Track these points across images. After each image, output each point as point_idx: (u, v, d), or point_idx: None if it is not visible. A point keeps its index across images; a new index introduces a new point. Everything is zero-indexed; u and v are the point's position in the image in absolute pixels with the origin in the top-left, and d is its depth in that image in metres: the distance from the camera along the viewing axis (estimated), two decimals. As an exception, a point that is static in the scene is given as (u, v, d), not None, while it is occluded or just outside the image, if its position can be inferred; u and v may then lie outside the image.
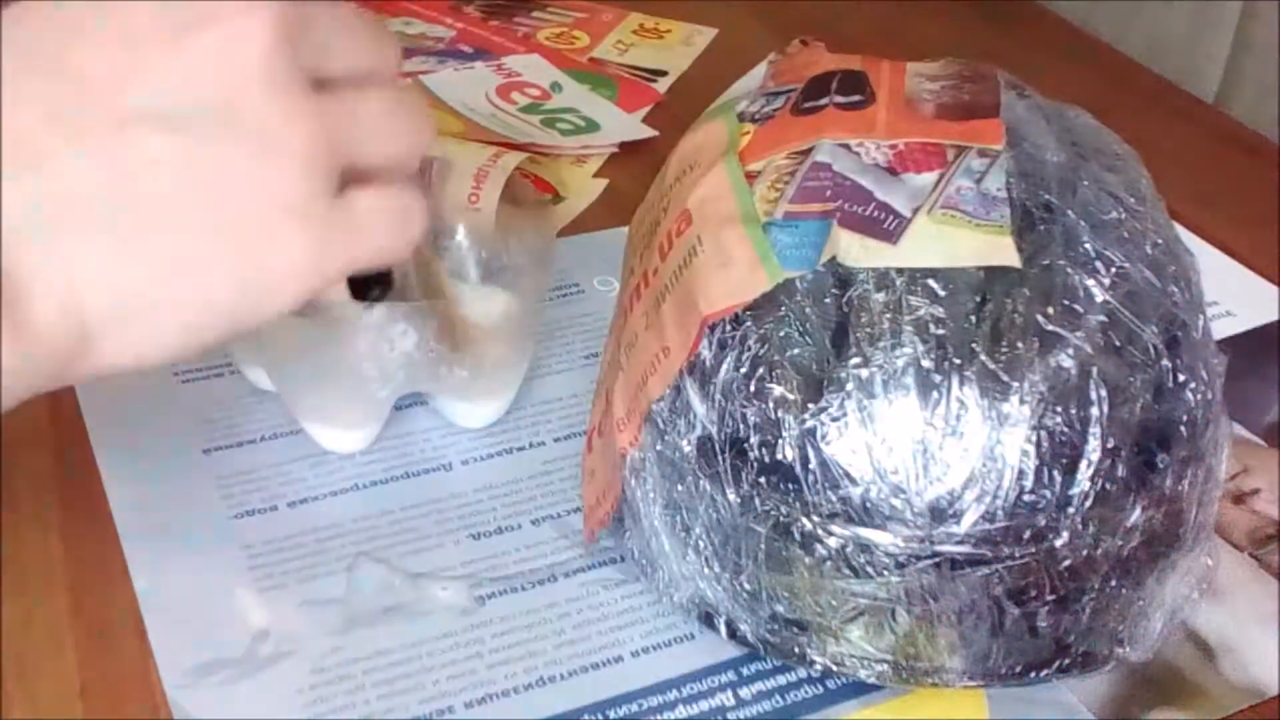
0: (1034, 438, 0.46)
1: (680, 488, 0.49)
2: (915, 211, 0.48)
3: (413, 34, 0.96)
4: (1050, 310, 0.47)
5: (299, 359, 0.59)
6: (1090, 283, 0.47)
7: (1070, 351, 0.46)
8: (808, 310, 0.47)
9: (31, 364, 0.37)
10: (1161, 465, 0.48)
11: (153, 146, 0.38)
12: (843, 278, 0.47)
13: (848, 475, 0.46)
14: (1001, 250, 0.47)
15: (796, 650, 0.50)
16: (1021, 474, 0.46)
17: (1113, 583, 0.48)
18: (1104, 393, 0.46)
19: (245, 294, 0.40)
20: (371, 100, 0.41)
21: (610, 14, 1.02)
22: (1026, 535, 0.46)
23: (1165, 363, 0.48)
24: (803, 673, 0.52)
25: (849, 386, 0.46)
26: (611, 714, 0.51)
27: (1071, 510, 0.46)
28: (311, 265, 0.40)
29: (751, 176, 0.51)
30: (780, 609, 0.49)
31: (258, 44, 0.38)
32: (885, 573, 0.47)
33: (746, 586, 0.49)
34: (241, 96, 0.38)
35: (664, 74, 0.94)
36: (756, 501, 0.47)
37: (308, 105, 0.39)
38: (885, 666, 0.49)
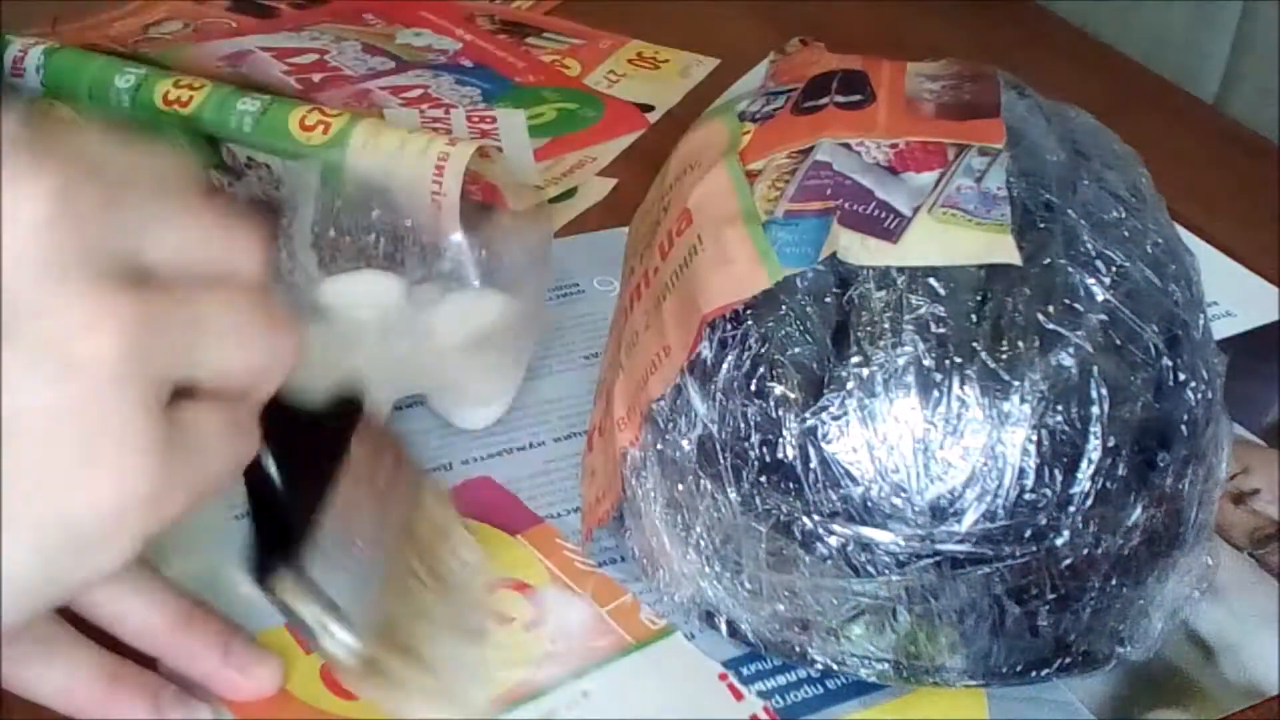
0: (1035, 436, 0.46)
1: (681, 487, 0.49)
2: (916, 210, 0.48)
3: (419, 46, 0.96)
4: (1051, 309, 0.47)
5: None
6: (1091, 282, 0.47)
7: (1071, 350, 0.46)
8: (809, 309, 0.47)
9: None
10: (1162, 464, 0.48)
11: None
12: (843, 276, 0.47)
13: (848, 474, 0.46)
14: (1002, 248, 0.47)
15: (797, 649, 0.50)
16: (1022, 473, 0.46)
17: (1113, 582, 0.48)
18: (1104, 391, 0.46)
19: (53, 560, 0.31)
20: (213, 303, 0.33)
21: (608, 41, 0.98)
22: (1027, 534, 0.46)
23: (1166, 362, 0.48)
24: (803, 672, 0.52)
25: (850, 385, 0.46)
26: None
27: (1072, 509, 0.46)
28: (141, 505, 0.31)
29: (752, 175, 0.51)
30: (781, 608, 0.49)
31: (27, 219, 0.29)
32: (886, 572, 0.47)
33: (747, 585, 0.49)
34: (17, 294, 0.29)
35: (651, 109, 0.90)
36: (757, 500, 0.47)
37: (115, 303, 0.30)
38: (886, 665, 0.49)
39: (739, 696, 0.51)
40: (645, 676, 0.51)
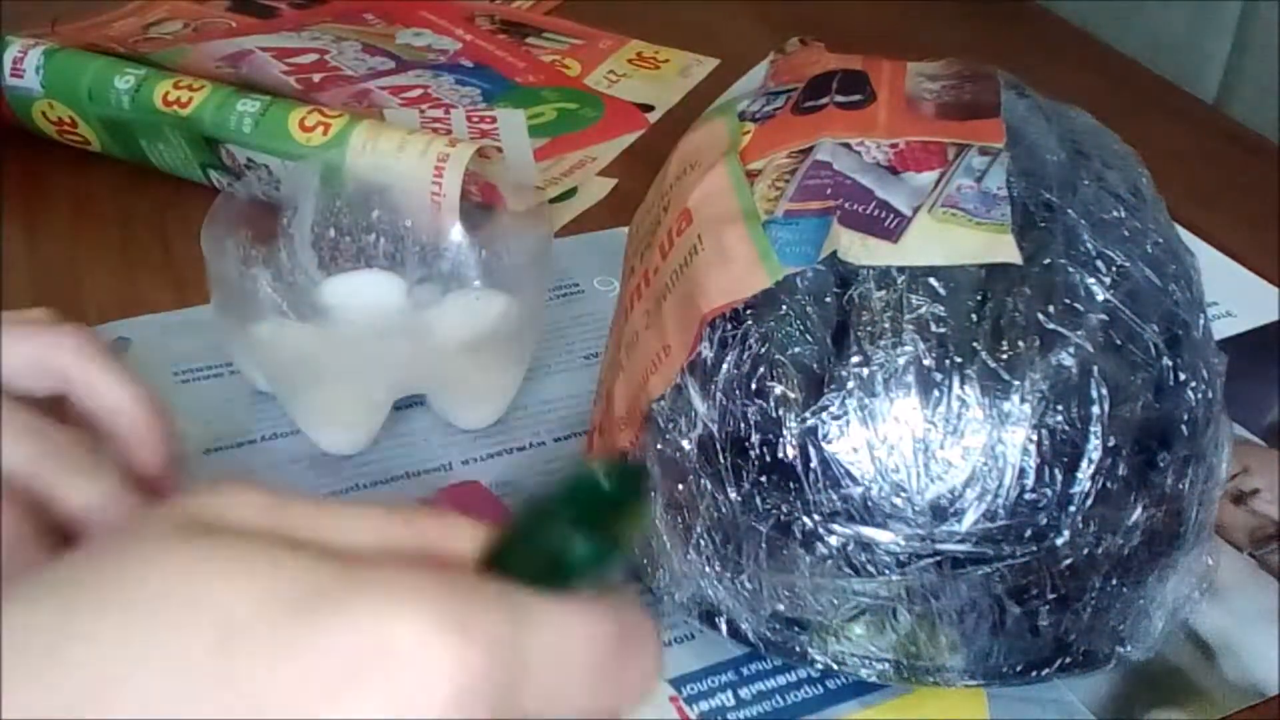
0: (1035, 436, 0.46)
1: (681, 487, 0.49)
2: (916, 210, 0.48)
3: (419, 46, 0.96)
4: (1051, 309, 0.47)
5: (296, 362, 0.59)
6: (1091, 281, 0.47)
7: (1071, 350, 0.46)
8: (809, 309, 0.47)
9: None
10: (1162, 464, 0.48)
11: None
12: (844, 276, 0.47)
13: (849, 474, 0.46)
14: (1003, 248, 0.47)
15: (798, 649, 0.49)
16: (1022, 472, 0.46)
17: (1113, 582, 0.48)
18: (1105, 391, 0.46)
19: None
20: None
21: (608, 41, 0.99)
22: (1027, 534, 0.46)
23: (1166, 361, 0.48)
24: (803, 673, 0.52)
25: (850, 385, 0.46)
26: (612, 713, 0.51)
27: (1072, 509, 0.46)
28: None
29: (752, 175, 0.51)
30: (781, 608, 0.49)
31: (440, 697, 0.25)
32: (886, 571, 0.47)
33: (747, 585, 0.49)
34: None
35: (651, 109, 0.90)
36: (757, 500, 0.47)
37: None
38: (886, 665, 0.49)
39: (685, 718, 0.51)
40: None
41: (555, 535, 0.29)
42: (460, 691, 0.25)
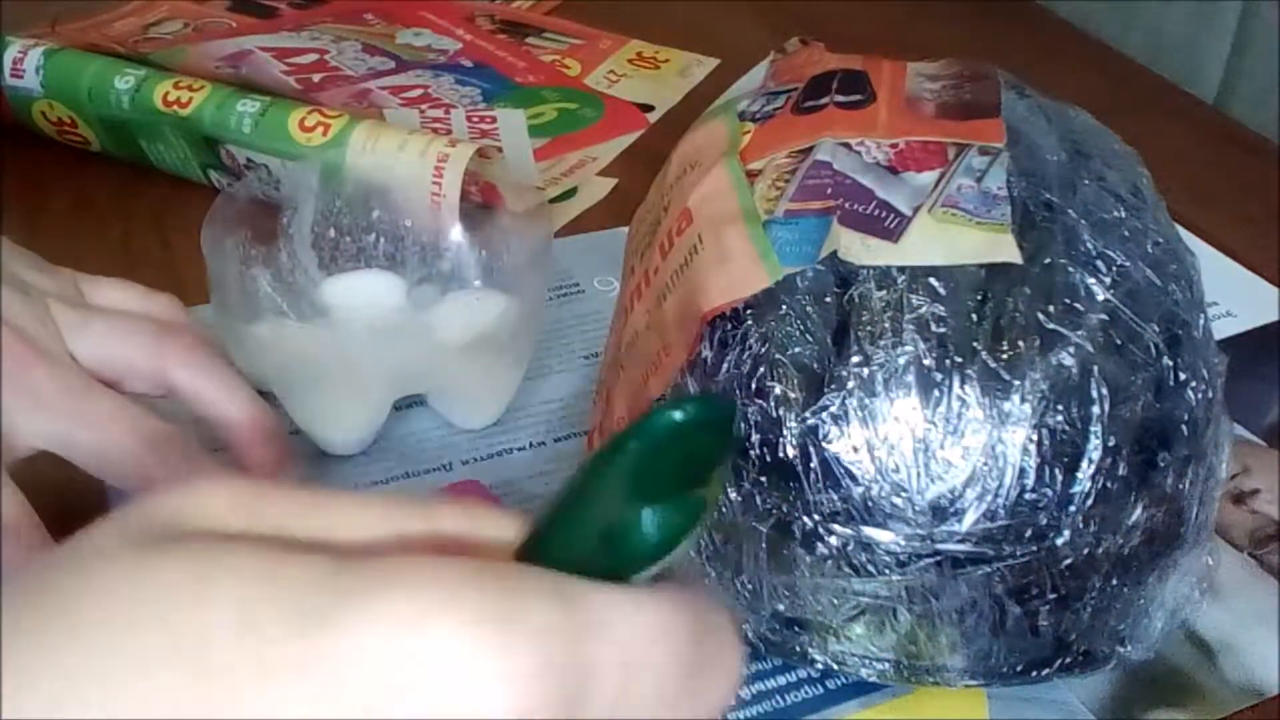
0: (1035, 436, 0.46)
1: (681, 487, 0.49)
2: (916, 210, 0.48)
3: (419, 46, 0.96)
4: (1051, 309, 0.47)
5: (296, 362, 0.59)
6: (1091, 281, 0.47)
7: (1071, 350, 0.46)
8: (809, 309, 0.47)
9: None
10: (1162, 464, 0.48)
11: None
12: (844, 276, 0.47)
13: (849, 474, 0.46)
14: (1003, 247, 0.47)
15: (798, 649, 0.49)
16: (1023, 472, 0.46)
17: (1114, 581, 0.48)
18: (1105, 391, 0.46)
19: None
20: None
21: (608, 41, 0.99)
22: (1028, 534, 0.46)
23: (1166, 361, 0.48)
24: (803, 673, 0.52)
25: (850, 385, 0.46)
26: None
27: (1073, 509, 0.46)
28: None
29: (752, 175, 0.51)
30: (781, 608, 0.49)
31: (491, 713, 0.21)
32: (886, 571, 0.47)
33: (747, 585, 0.49)
34: None
35: (651, 109, 0.90)
36: (757, 500, 0.47)
37: None
38: (886, 665, 0.49)
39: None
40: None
41: (617, 506, 0.23)
42: (514, 704, 0.21)
